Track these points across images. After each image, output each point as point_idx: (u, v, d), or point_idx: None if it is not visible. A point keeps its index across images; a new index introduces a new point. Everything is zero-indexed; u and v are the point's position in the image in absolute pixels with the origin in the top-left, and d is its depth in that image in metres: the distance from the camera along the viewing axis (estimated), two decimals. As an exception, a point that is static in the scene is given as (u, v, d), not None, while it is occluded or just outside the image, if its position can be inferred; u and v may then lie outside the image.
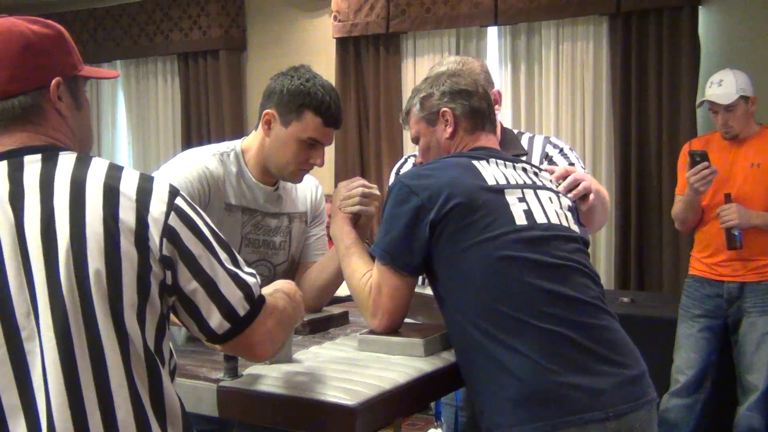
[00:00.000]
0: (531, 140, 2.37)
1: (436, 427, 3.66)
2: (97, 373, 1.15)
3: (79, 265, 1.15)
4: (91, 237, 1.16)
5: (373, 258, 1.76)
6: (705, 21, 4.11)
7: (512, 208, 1.65)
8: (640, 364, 1.67)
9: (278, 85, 1.92)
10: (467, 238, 1.60)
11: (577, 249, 1.70)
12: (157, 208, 1.21)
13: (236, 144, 2.02)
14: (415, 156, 2.43)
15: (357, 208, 1.89)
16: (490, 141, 1.84)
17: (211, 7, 5.45)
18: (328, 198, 2.16)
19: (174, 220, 1.21)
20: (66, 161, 1.22)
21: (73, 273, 1.15)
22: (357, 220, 1.92)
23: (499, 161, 1.76)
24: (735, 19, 4.11)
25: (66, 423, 1.13)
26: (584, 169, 2.28)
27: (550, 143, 2.35)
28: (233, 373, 1.57)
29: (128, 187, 1.21)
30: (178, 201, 1.24)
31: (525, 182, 1.73)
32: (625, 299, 3.70)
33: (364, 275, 1.76)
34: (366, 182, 1.97)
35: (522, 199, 1.67)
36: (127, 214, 1.18)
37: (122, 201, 1.19)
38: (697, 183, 3.00)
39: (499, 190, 1.66)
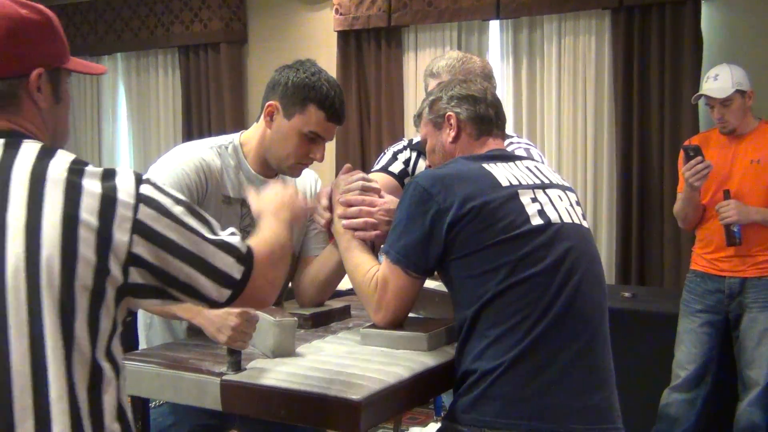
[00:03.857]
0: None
1: (436, 422, 3.67)
2: (37, 382, 1.08)
3: (31, 260, 1.08)
4: (47, 233, 1.09)
5: (376, 253, 1.76)
6: (707, 16, 4.10)
7: (527, 209, 1.66)
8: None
9: (283, 78, 1.91)
10: (485, 239, 1.61)
11: (586, 244, 1.72)
12: (124, 204, 1.15)
13: (234, 137, 2.01)
14: (412, 141, 2.45)
15: (362, 234, 1.86)
16: (498, 147, 1.85)
17: (212, 0, 5.44)
18: None
19: (143, 213, 1.16)
20: (28, 150, 1.16)
21: (23, 270, 1.08)
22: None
23: (509, 163, 1.77)
24: (738, 14, 4.10)
25: None
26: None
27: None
28: (236, 366, 1.57)
29: (92, 183, 1.14)
30: (144, 189, 1.18)
31: (534, 182, 1.73)
32: (626, 294, 3.70)
33: (369, 270, 1.76)
34: (365, 175, 1.97)
35: (534, 199, 1.69)
36: (89, 214, 1.12)
37: (84, 199, 1.12)
38: (692, 178, 3.00)
39: (513, 192, 1.67)
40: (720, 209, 3.06)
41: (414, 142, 2.43)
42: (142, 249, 1.16)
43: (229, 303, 1.26)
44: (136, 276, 1.16)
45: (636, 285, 4.15)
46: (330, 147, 4.71)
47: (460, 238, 1.62)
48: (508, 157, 1.80)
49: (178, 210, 1.21)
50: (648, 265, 4.24)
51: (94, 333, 1.13)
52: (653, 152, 4.19)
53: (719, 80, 3.14)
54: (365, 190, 1.91)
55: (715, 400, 3.23)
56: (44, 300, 1.09)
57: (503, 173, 1.71)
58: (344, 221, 1.87)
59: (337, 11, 4.97)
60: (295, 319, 1.70)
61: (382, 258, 1.73)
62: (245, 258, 1.26)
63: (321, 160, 1.97)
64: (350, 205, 1.89)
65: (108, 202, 1.14)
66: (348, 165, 2.04)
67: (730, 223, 3.04)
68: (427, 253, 1.65)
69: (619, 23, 4.24)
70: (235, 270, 1.24)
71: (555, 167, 4.39)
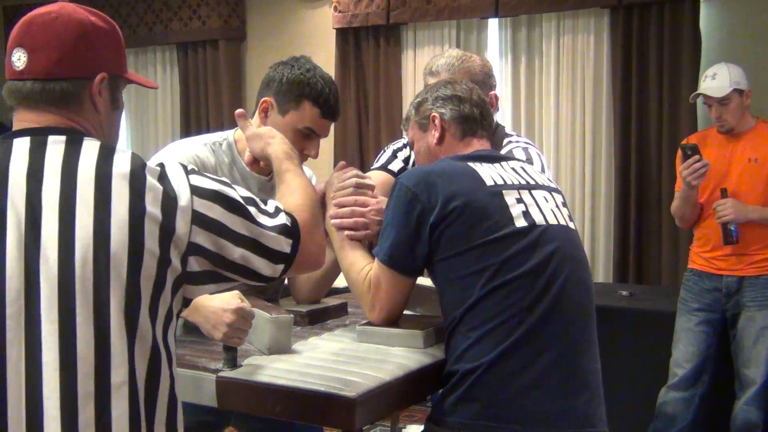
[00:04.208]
0: (510, 153, 2.22)
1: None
2: (100, 368, 1.13)
3: (100, 251, 1.13)
4: (115, 225, 1.15)
5: (372, 254, 1.76)
6: (706, 15, 4.10)
7: (511, 210, 1.64)
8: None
9: (278, 74, 1.91)
10: (468, 241, 1.60)
11: (572, 247, 1.71)
12: (182, 197, 1.21)
13: (228, 134, 2.01)
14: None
15: (355, 234, 1.85)
16: (483, 147, 1.84)
17: (211, -3, 5.44)
18: None
19: (198, 204, 1.23)
20: (90, 147, 1.22)
21: (91, 260, 1.13)
22: None
23: (495, 163, 1.75)
24: (736, 13, 4.10)
25: (54, 411, 1.10)
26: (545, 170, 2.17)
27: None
28: (232, 363, 1.57)
29: (152, 178, 1.20)
30: (194, 179, 1.25)
31: (520, 183, 1.72)
32: (624, 292, 3.70)
33: (363, 268, 1.76)
34: (359, 172, 1.96)
35: (520, 200, 1.68)
36: (153, 208, 1.18)
37: (148, 193, 1.18)
38: (690, 177, 3.01)
39: (497, 192, 1.66)
40: (717, 208, 3.06)
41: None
42: (201, 238, 1.22)
43: (283, 274, 1.34)
44: (194, 264, 1.23)
45: (633, 283, 4.15)
46: (327, 144, 4.71)
47: (444, 238, 1.61)
48: (494, 158, 1.79)
49: (227, 194, 1.27)
50: (646, 264, 4.24)
51: (154, 320, 1.18)
52: (651, 151, 4.19)
53: (717, 79, 3.14)
54: (359, 187, 1.90)
55: (712, 399, 3.23)
56: (112, 289, 1.14)
57: (488, 173, 1.70)
58: (335, 221, 1.86)
59: (335, 8, 4.97)
60: (291, 316, 1.70)
61: (376, 260, 1.73)
62: (292, 231, 1.33)
63: (315, 156, 1.96)
64: (342, 205, 1.88)
65: (169, 195, 1.20)
66: (342, 162, 2.03)
67: (727, 222, 3.04)
68: (414, 253, 1.65)
69: (618, 22, 4.23)
70: (285, 245, 1.31)
71: (553, 166, 4.38)
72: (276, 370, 1.53)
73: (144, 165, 1.21)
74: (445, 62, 2.21)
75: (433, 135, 1.83)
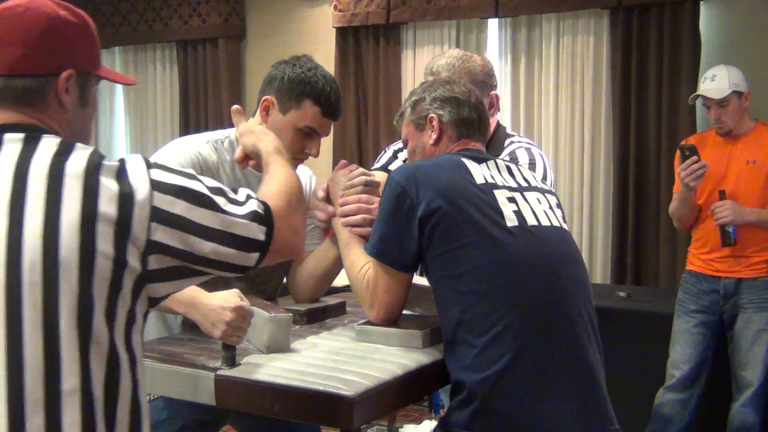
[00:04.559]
0: (512, 153, 2.24)
1: (431, 419, 3.67)
2: (50, 375, 1.08)
3: (49, 255, 1.08)
4: (65, 229, 1.09)
5: None
6: (706, 16, 4.10)
7: (503, 208, 1.64)
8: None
9: (279, 73, 1.91)
10: (458, 237, 1.60)
11: (567, 247, 1.71)
12: (139, 194, 1.15)
13: (230, 132, 2.01)
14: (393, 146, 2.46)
15: (359, 230, 1.87)
16: (475, 147, 1.83)
17: (211, -5, 5.44)
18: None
19: (159, 200, 1.16)
20: (47, 145, 1.16)
21: (40, 263, 1.08)
22: None
23: (489, 163, 1.75)
24: (736, 14, 4.10)
25: (2, 420, 1.06)
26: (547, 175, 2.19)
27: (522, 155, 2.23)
28: (231, 362, 1.57)
29: (108, 177, 1.14)
30: (155, 174, 1.18)
31: (511, 185, 1.72)
32: (622, 294, 3.70)
33: (362, 267, 1.76)
34: (365, 170, 1.97)
35: (512, 200, 1.67)
36: (107, 208, 1.12)
37: (102, 194, 1.12)
38: (687, 178, 3.01)
39: (488, 191, 1.66)
40: (715, 209, 3.07)
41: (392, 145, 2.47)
42: (162, 235, 1.16)
43: (259, 263, 1.27)
44: (155, 262, 1.17)
45: (631, 285, 4.16)
46: (327, 143, 4.70)
47: (434, 234, 1.61)
48: (487, 158, 1.78)
49: (191, 187, 1.21)
50: (644, 265, 4.24)
51: (111, 323, 1.13)
52: (650, 152, 4.20)
53: (716, 81, 3.14)
54: (366, 185, 1.92)
55: (709, 401, 3.24)
56: (61, 293, 1.09)
57: (480, 172, 1.69)
58: (342, 219, 1.87)
59: (335, 7, 4.97)
60: (290, 315, 1.70)
61: (372, 258, 1.73)
62: (265, 218, 1.27)
63: (316, 155, 1.97)
64: (348, 203, 1.89)
65: (125, 193, 1.14)
66: (343, 161, 2.04)
67: (725, 224, 3.04)
68: (403, 247, 1.65)
69: (618, 23, 4.24)
70: (259, 232, 1.25)
71: (551, 166, 4.38)
72: (275, 369, 1.54)
73: (100, 163, 1.15)
74: (446, 62, 2.20)
75: (430, 136, 1.82)
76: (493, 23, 4.69)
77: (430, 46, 4.75)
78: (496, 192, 1.66)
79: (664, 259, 4.12)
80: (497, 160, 1.79)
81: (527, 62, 4.56)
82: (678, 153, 3.13)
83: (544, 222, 1.69)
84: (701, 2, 4.07)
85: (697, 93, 3.23)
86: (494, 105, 2.24)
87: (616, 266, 4.27)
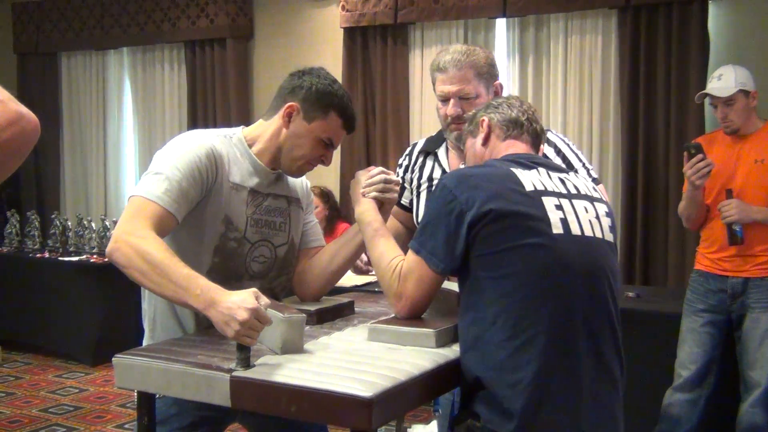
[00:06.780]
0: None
1: (437, 418, 3.67)
2: None
3: None
4: None
5: (383, 211, 1.89)
6: (714, 15, 4.10)
7: (550, 215, 1.67)
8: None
9: (305, 82, 1.98)
10: (504, 241, 1.63)
11: (606, 260, 1.74)
12: None
13: (237, 131, 2.06)
14: (416, 144, 2.56)
15: (382, 195, 1.99)
16: (526, 150, 1.87)
17: (219, -4, 5.45)
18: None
19: None
20: None
21: None
22: (380, 206, 1.99)
23: (537, 168, 1.78)
24: (744, 14, 4.09)
25: None
26: (583, 163, 2.27)
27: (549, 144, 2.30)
28: (246, 363, 1.57)
29: None
30: None
31: (561, 192, 1.75)
32: (630, 294, 3.70)
33: (393, 260, 1.80)
34: (385, 170, 2.04)
35: (559, 207, 1.70)
36: None
37: None
38: (693, 176, 3.01)
39: (536, 197, 1.69)
40: (722, 208, 3.06)
41: (416, 143, 2.53)
42: None
43: None
44: None
45: (640, 285, 4.16)
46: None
47: (480, 236, 1.64)
48: (538, 163, 1.81)
49: None
50: (652, 265, 4.24)
51: None
52: (659, 152, 4.20)
53: (723, 80, 3.15)
54: (387, 182, 2.00)
55: (717, 401, 3.23)
56: None
57: (529, 178, 1.72)
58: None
59: (343, 8, 4.97)
60: (304, 315, 1.70)
61: (410, 253, 1.76)
62: None
63: (328, 164, 2.08)
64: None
65: None
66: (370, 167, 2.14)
67: (731, 222, 3.04)
68: (453, 252, 1.68)
69: (626, 22, 4.24)
70: None
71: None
72: (290, 370, 1.54)
73: None
74: (451, 58, 2.23)
75: (480, 137, 1.90)
76: (500, 23, 4.69)
77: (437, 46, 4.75)
78: (545, 199, 1.69)
79: (673, 260, 4.12)
80: (547, 166, 1.82)
81: (535, 62, 4.56)
82: (685, 152, 3.13)
83: (588, 232, 1.71)
84: (710, 2, 4.07)
85: (704, 92, 3.23)
86: (498, 94, 2.27)
87: (625, 266, 4.27)
